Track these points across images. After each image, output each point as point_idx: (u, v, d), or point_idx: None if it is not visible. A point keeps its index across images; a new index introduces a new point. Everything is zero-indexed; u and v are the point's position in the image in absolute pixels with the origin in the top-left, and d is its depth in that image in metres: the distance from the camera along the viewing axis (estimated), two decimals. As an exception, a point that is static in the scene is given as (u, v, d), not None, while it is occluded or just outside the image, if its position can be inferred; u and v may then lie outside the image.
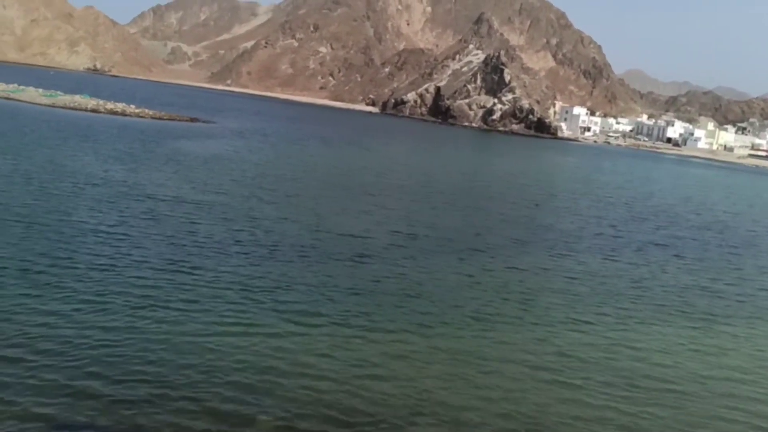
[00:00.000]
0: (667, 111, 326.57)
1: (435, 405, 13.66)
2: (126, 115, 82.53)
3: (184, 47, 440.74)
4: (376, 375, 14.69)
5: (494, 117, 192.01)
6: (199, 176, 39.91)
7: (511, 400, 14.24)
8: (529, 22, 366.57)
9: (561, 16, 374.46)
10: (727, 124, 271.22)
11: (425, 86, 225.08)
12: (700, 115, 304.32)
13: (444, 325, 18.33)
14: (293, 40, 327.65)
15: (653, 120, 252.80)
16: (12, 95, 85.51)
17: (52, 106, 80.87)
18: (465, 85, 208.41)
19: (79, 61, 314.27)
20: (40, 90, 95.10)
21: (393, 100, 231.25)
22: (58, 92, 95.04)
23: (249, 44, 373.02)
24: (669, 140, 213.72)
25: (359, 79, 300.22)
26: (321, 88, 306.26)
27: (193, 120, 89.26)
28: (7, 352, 13.73)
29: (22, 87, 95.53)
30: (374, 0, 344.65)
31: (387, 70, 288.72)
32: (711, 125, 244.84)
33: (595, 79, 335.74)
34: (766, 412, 15.25)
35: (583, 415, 13.99)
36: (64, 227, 23.68)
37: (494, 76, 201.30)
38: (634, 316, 21.09)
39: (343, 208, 35.23)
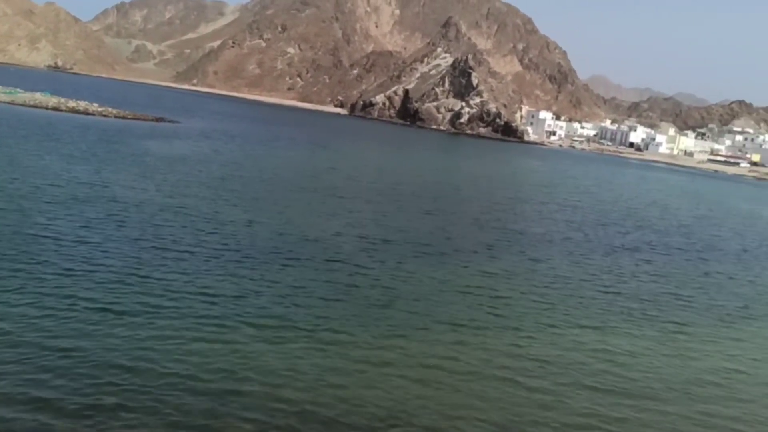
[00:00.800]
0: (629, 116, 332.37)
1: (408, 414, 13.40)
2: (89, 113, 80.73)
3: (149, 46, 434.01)
4: (348, 384, 14.38)
5: (462, 120, 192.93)
6: (164, 178, 39.08)
7: (484, 408, 14.06)
8: (496, 27, 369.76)
9: (527, 21, 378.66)
10: (687, 129, 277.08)
11: (394, 89, 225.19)
12: (661, 120, 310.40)
13: (416, 331, 18.09)
14: (261, 41, 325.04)
15: (616, 125, 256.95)
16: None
17: (11, 103, 78.71)
18: (433, 88, 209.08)
19: (40, 58, 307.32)
20: (0, 87, 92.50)
21: (361, 102, 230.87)
22: (18, 89, 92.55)
23: (216, 44, 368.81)
24: (632, 145, 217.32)
25: (327, 80, 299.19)
26: (289, 89, 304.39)
27: (158, 120, 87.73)
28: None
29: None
30: (343, 2, 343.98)
31: (355, 72, 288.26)
32: (672, 131, 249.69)
33: (561, 84, 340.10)
34: (737, 415, 15.34)
35: (559, 420, 13.87)
36: (24, 229, 22.87)
37: (462, 80, 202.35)
38: (606, 321, 21.13)
39: (311, 211, 34.81)
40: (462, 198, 50.47)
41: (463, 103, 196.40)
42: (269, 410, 12.81)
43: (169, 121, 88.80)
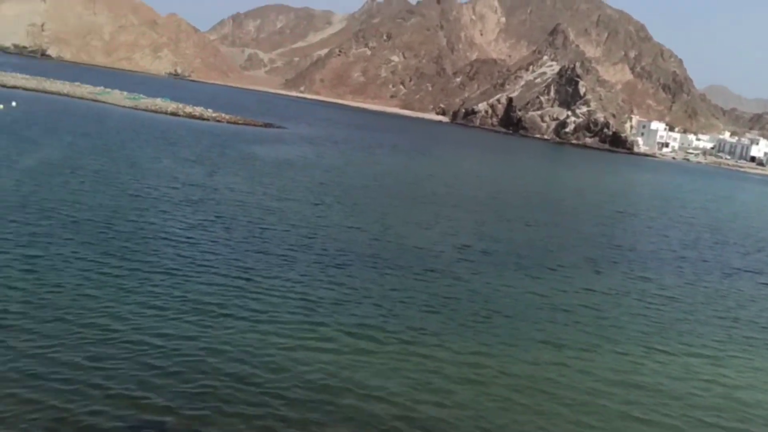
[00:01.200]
0: (751, 129, 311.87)
1: (505, 435, 12.92)
2: (204, 119, 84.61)
3: (261, 54, 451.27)
4: (443, 402, 14.05)
5: (567, 130, 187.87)
6: (270, 182, 40.22)
7: (587, 435, 13.35)
8: (606, 34, 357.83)
9: (640, 28, 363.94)
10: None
11: (497, 97, 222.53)
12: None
13: (515, 349, 17.51)
14: (366, 49, 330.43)
15: (736, 138, 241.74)
16: (99, 97, 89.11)
17: (135, 108, 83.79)
18: (538, 97, 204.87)
19: (162, 65, 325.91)
20: (125, 93, 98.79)
21: (464, 110, 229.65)
22: (141, 95, 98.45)
23: (323, 52, 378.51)
24: (753, 159, 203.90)
25: (430, 88, 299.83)
26: (392, 96, 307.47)
27: (266, 125, 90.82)
28: (62, 354, 13.75)
29: (108, 90, 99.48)
30: (448, 10, 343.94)
31: (458, 79, 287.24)
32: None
33: (675, 94, 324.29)
34: None
35: (667, 456, 12.96)
36: (140, 229, 24.06)
37: (568, 88, 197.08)
38: (722, 350, 19.68)
39: (411, 219, 34.73)
40: (566, 210, 48.91)
41: (569, 113, 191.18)
42: (362, 425, 12.70)
43: (277, 127, 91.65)
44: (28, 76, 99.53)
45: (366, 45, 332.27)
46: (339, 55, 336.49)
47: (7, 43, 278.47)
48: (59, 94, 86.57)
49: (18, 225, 22.13)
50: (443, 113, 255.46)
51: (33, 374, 12.72)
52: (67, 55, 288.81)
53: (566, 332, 19.30)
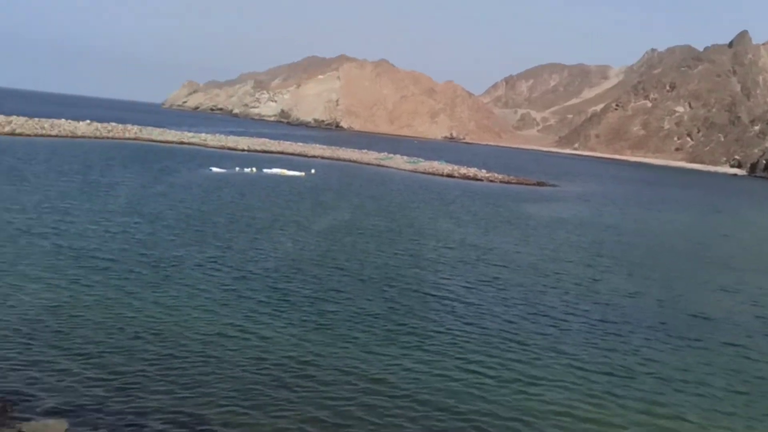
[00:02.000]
0: None
1: None
2: (477, 179, 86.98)
3: (533, 113, 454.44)
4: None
5: None
6: (544, 241, 39.43)
7: None
8: None
9: None
10: None
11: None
12: None
13: None
14: (646, 101, 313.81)
15: None
16: (383, 162, 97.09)
17: (414, 171, 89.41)
18: None
19: (438, 130, 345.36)
20: (405, 157, 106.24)
21: (764, 161, 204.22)
22: (420, 159, 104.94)
23: (598, 107, 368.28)
24: None
25: (722, 138, 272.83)
26: (677, 149, 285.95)
27: (539, 184, 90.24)
28: (344, 406, 14.38)
29: (390, 155, 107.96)
30: (742, 53, 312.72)
31: (757, 128, 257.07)
32: None
33: None
34: None
35: None
36: (417, 288, 24.99)
37: None
38: None
39: (703, 284, 31.19)
40: None
41: None
42: None
43: (550, 185, 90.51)
44: (324, 146, 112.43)
45: (646, 97, 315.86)
46: (616, 109, 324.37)
47: (309, 118, 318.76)
48: (349, 160, 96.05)
49: (315, 281, 24.43)
50: (739, 165, 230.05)
51: (317, 419, 13.56)
52: (356, 126, 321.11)
53: None
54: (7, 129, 78.68)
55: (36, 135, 79.19)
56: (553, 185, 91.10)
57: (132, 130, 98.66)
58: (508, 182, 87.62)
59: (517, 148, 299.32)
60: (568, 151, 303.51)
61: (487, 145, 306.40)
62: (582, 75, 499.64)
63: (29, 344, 15.90)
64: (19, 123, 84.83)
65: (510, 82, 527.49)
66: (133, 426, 12.66)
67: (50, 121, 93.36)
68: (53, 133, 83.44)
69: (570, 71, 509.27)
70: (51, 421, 12.36)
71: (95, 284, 21.08)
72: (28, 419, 12.36)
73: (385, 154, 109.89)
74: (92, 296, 19.85)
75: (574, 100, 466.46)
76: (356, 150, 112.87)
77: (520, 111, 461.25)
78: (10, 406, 12.79)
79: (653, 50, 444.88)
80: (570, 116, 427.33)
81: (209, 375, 15.15)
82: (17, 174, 43.71)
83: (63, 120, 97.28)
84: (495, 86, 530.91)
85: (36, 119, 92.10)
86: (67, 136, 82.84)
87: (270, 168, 67.42)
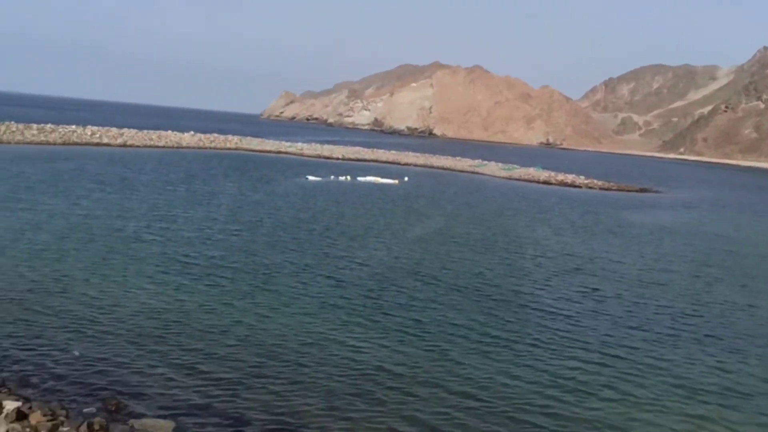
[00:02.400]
0: None
1: None
2: (576, 186, 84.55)
3: (635, 117, 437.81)
4: None
5: None
6: (646, 250, 37.70)
7: None
8: None
9: None
10: None
11: None
12: None
13: None
14: (759, 102, 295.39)
15: None
16: (477, 169, 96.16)
17: (509, 178, 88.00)
18: None
19: (534, 136, 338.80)
20: (500, 164, 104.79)
21: None
22: (515, 166, 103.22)
23: (705, 110, 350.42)
24: None
25: None
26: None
27: (641, 190, 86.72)
28: (428, 415, 14.12)
29: (485, 162, 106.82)
30: None
31: None
32: None
33: None
34: None
35: None
36: (510, 298, 24.42)
37: None
38: None
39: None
40: None
41: None
42: None
43: (653, 192, 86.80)
44: (417, 154, 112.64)
45: (759, 98, 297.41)
46: (725, 111, 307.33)
47: (402, 126, 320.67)
48: (443, 168, 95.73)
49: (408, 290, 24.35)
50: None
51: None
52: (450, 133, 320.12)
53: None
54: (119, 141, 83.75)
55: (145, 146, 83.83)
56: (657, 192, 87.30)
57: (232, 141, 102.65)
58: (608, 189, 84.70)
59: (618, 154, 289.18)
60: (672, 156, 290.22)
61: (585, 150, 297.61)
62: (687, 76, 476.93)
63: (138, 347, 16.68)
64: (130, 135, 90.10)
65: (610, 85, 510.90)
66: (233, 428, 13.00)
67: (158, 132, 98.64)
68: (160, 144, 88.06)
69: (674, 72, 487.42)
70: (160, 421, 12.90)
71: (197, 290, 21.90)
72: (139, 418, 12.95)
73: (479, 161, 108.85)
74: (194, 302, 20.62)
75: (679, 103, 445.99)
76: (450, 157, 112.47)
77: (621, 115, 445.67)
78: (123, 404, 13.48)
79: (766, 48, 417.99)
80: (675, 119, 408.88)
81: (302, 383, 15.34)
82: (127, 184, 46.31)
83: (169, 131, 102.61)
84: (594, 90, 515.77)
85: (145, 131, 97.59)
86: (173, 147, 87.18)
87: (364, 176, 68.21)
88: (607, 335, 20.73)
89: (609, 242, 39.89)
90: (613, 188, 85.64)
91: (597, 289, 26.80)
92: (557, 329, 20.91)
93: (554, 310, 23.25)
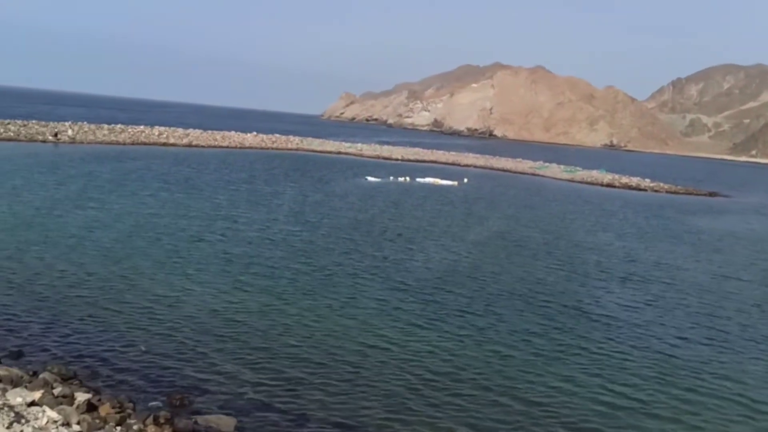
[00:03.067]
0: None
1: None
2: (641, 189, 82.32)
3: (704, 119, 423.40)
4: None
5: None
6: (714, 258, 36.34)
7: None
8: None
9: None
10: None
11: None
12: None
13: None
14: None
15: None
16: (538, 171, 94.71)
17: (571, 180, 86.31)
18: None
19: (597, 138, 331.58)
20: (562, 166, 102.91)
21: None
22: (577, 168, 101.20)
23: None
24: None
25: None
26: None
27: (711, 194, 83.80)
28: (484, 423, 13.93)
29: (546, 164, 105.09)
30: None
31: None
32: None
33: None
34: None
35: None
36: (570, 305, 23.88)
37: None
38: None
39: None
40: None
41: None
42: None
43: (723, 196, 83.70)
44: (477, 155, 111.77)
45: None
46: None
47: (462, 127, 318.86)
48: (503, 169, 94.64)
49: (468, 294, 24.11)
50: None
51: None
52: (510, 134, 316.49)
53: None
54: (185, 141, 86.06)
55: (209, 146, 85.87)
56: (727, 196, 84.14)
57: (294, 141, 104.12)
58: (675, 192, 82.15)
59: (686, 156, 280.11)
60: (743, 158, 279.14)
61: (651, 153, 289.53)
62: (761, 76, 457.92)
63: (201, 344, 17.04)
64: (195, 135, 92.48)
65: (678, 85, 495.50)
66: (293, 426, 13.14)
67: (222, 133, 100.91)
68: (224, 144, 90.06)
69: (747, 72, 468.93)
70: (223, 417, 13.15)
71: (258, 290, 22.22)
72: (202, 413, 13.23)
73: (541, 162, 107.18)
74: (256, 301, 20.93)
75: (751, 104, 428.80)
76: (510, 159, 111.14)
77: (689, 116, 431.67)
78: (187, 400, 13.80)
79: None
80: (746, 121, 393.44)
81: (362, 384, 15.36)
82: (191, 183, 47.48)
83: (233, 132, 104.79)
84: (660, 90, 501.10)
85: (209, 132, 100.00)
86: (236, 147, 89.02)
87: (423, 177, 68.06)
88: (674, 346, 20.02)
89: (676, 248, 38.61)
90: (681, 192, 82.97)
91: (662, 298, 25.95)
92: (620, 339, 20.29)
93: (619, 318, 22.61)
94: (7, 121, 77.27)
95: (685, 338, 20.86)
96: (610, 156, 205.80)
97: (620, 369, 17.68)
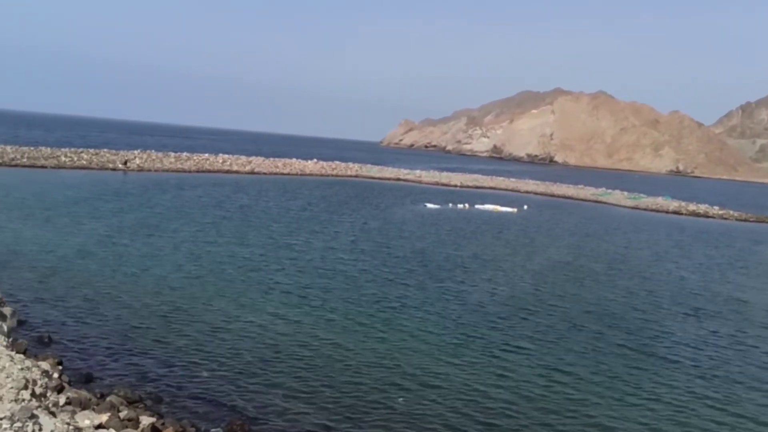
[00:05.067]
0: None
1: None
2: (708, 216, 79.55)
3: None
4: None
5: None
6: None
7: None
8: None
9: None
10: None
11: None
12: None
13: None
14: None
15: None
16: (600, 198, 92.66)
17: (635, 207, 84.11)
18: None
19: (662, 164, 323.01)
20: (626, 193, 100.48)
21: None
22: (641, 195, 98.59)
23: None
24: None
25: None
26: None
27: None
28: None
29: (609, 191, 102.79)
30: None
31: None
32: None
33: None
34: None
35: None
36: (640, 337, 23.11)
37: None
38: None
39: None
40: None
41: None
42: None
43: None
44: (537, 182, 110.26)
45: None
46: None
47: (521, 153, 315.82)
48: (564, 196, 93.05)
49: (531, 326, 23.64)
50: None
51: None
52: (572, 160, 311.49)
53: None
54: (247, 168, 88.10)
55: (271, 173, 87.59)
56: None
57: (353, 168, 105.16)
58: (745, 220, 79.03)
59: (756, 183, 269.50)
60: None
61: (719, 179, 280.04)
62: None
63: (261, 370, 17.21)
64: (257, 163, 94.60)
65: (747, 109, 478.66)
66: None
67: (283, 160, 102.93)
68: (285, 171, 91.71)
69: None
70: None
71: (315, 319, 22.32)
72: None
73: (603, 189, 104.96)
74: (312, 331, 21.01)
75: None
76: (571, 185, 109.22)
77: (760, 141, 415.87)
78: (247, 427, 13.91)
79: None
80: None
81: (423, 416, 15.18)
82: (251, 211, 48.31)
83: (294, 159, 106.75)
84: (729, 115, 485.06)
85: (271, 159, 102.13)
86: (297, 174, 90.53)
87: (482, 204, 67.55)
88: (753, 389, 19.04)
89: (747, 280, 36.98)
90: (751, 219, 79.72)
91: (733, 336, 24.77)
92: (683, 384, 19.22)
93: (690, 355, 21.68)
94: (80, 150, 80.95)
95: (756, 383, 19.73)
96: (676, 182, 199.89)
97: (684, 417, 16.93)
